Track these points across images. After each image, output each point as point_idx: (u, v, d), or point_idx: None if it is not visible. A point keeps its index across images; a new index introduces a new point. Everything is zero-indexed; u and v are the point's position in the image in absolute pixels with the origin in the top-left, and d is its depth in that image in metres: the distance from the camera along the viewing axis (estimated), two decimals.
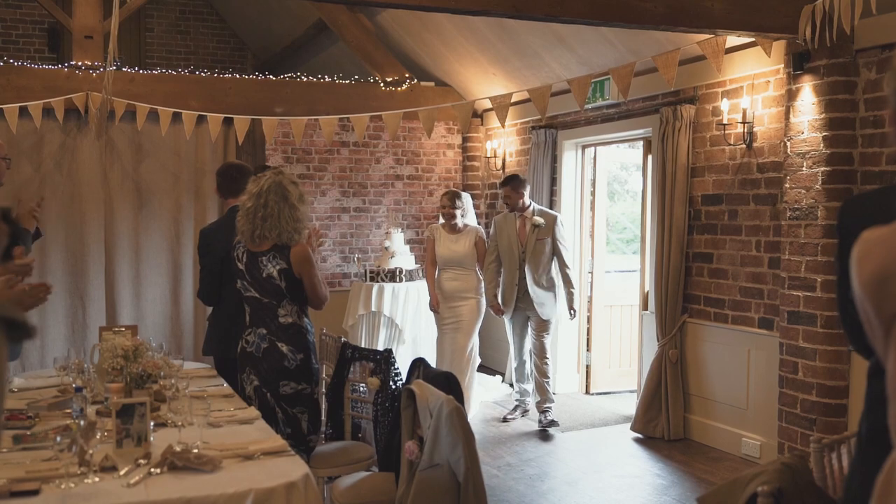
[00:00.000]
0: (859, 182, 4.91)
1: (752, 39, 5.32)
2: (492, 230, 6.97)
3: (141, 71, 8.02)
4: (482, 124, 9.23)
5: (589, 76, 5.72)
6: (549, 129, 7.87)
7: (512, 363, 7.29)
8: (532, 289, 6.68)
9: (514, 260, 6.72)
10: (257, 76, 8.47)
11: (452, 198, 6.91)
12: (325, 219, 8.73)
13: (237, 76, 8.33)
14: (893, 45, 4.77)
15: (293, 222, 4.06)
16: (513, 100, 6.40)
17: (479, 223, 7.82)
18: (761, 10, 4.86)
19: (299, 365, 3.98)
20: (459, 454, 3.05)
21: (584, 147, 7.80)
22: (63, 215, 7.73)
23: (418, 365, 3.91)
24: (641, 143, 7.12)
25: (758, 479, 2.14)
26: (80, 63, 7.51)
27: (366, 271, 7.97)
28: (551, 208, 7.71)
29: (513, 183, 6.71)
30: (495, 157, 8.84)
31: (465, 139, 9.24)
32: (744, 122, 5.70)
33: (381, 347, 7.65)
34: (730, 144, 5.86)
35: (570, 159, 7.88)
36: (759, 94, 5.66)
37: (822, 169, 5.00)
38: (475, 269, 6.92)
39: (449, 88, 8.90)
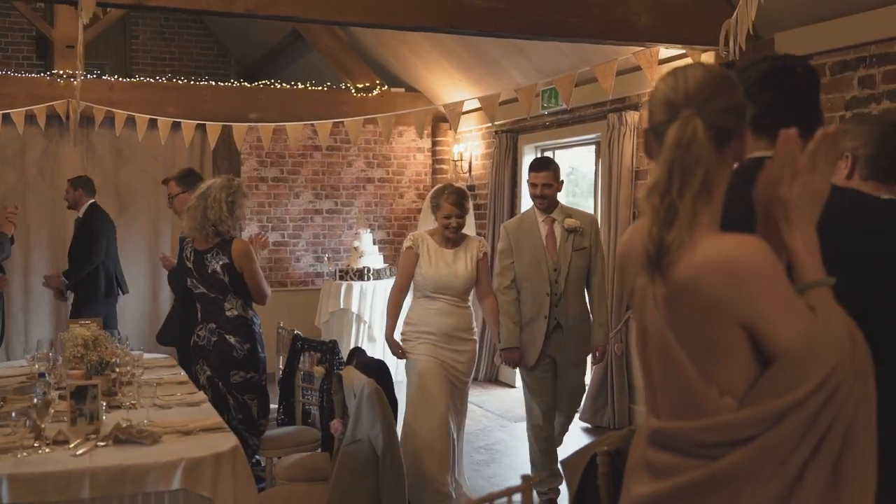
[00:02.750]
0: None
1: (684, 51, 5.68)
2: (501, 243, 4.94)
3: (120, 79, 8.38)
4: (450, 129, 9.59)
5: (534, 85, 6.09)
6: (511, 134, 8.23)
7: (529, 440, 5.00)
8: (567, 322, 4.80)
9: (541, 283, 4.75)
10: (233, 83, 8.83)
11: (460, 200, 4.71)
12: (298, 220, 9.09)
13: (213, 83, 8.69)
14: (811, 55, 5.12)
15: (231, 218, 4.42)
16: (476, 106, 6.76)
17: None
18: (686, 24, 5.22)
19: (246, 355, 4.34)
20: (378, 430, 3.41)
21: (542, 150, 8.15)
22: (47, 218, 8.09)
23: (355, 354, 4.26)
24: (594, 146, 7.48)
25: (603, 442, 2.49)
26: (61, 71, 7.86)
27: (335, 270, 8.34)
28: (513, 211, 8.05)
29: (553, 166, 4.87)
30: (461, 160, 9.20)
31: (434, 143, 9.60)
32: None
33: (352, 344, 8.00)
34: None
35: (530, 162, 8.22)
36: None
37: None
38: (470, 296, 4.89)
39: (418, 94, 9.25)
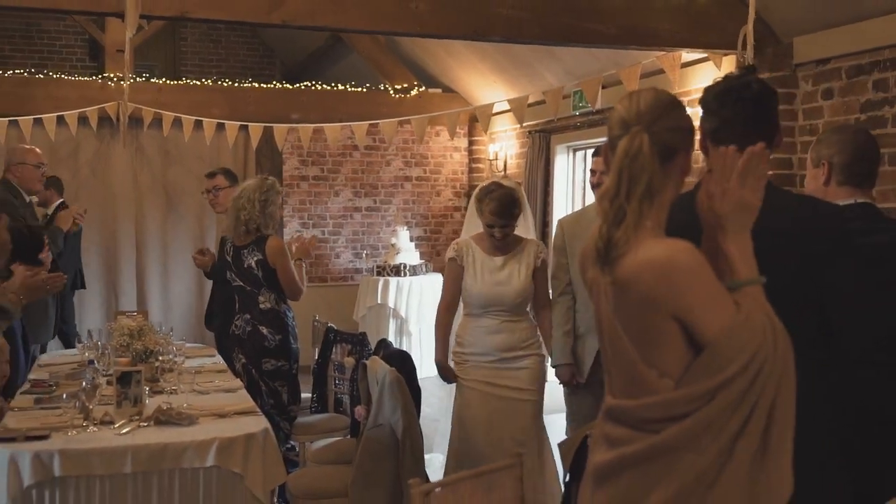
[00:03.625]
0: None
1: (706, 55, 5.83)
2: (555, 241, 4.38)
3: (168, 81, 8.73)
4: (489, 128, 9.80)
5: (561, 87, 6.28)
6: (543, 134, 8.42)
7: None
8: None
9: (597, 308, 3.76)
10: (275, 85, 9.13)
11: (503, 209, 4.11)
12: (338, 217, 9.38)
13: (256, 85, 9.00)
14: (828, 59, 5.25)
15: (266, 217, 4.70)
16: (507, 107, 6.97)
17: None
18: (707, 28, 5.37)
19: (278, 345, 4.62)
20: (398, 416, 3.65)
21: (574, 150, 8.34)
22: (98, 216, 8.47)
23: (381, 345, 4.51)
24: None
25: (594, 426, 2.72)
26: (112, 75, 8.23)
27: (373, 266, 8.63)
28: (546, 210, 8.26)
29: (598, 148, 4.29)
30: (497, 159, 9.41)
31: (470, 142, 9.83)
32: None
33: (390, 338, 8.27)
34: (696, 150, 6.35)
35: (562, 162, 8.42)
36: None
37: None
38: (527, 311, 4.34)
39: (455, 94, 9.47)
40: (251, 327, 4.65)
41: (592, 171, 4.26)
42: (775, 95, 2.34)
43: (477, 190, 4.37)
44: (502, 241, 4.19)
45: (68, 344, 5.78)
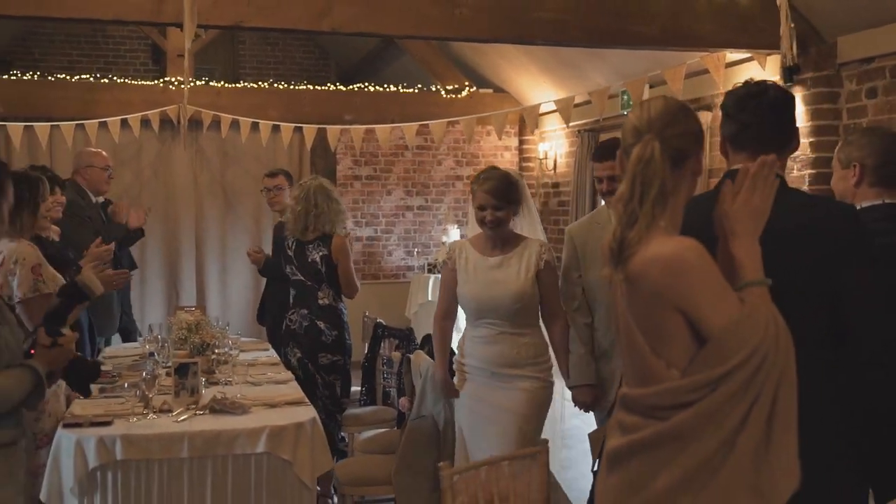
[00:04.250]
0: None
1: (750, 55, 5.87)
2: (565, 252, 3.90)
3: (226, 85, 9.00)
4: (538, 127, 9.90)
5: (606, 88, 6.36)
6: (591, 133, 8.50)
7: None
8: None
9: (615, 304, 2.81)
10: (329, 87, 9.36)
11: (497, 188, 3.67)
12: (390, 216, 9.58)
13: (311, 87, 9.23)
14: (872, 58, 5.27)
15: (336, 215, 4.91)
16: (555, 107, 7.09)
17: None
18: (750, 29, 5.42)
19: (334, 340, 4.81)
20: (440, 408, 3.82)
21: None
22: (160, 216, 8.78)
23: (427, 340, 4.67)
24: None
25: None
26: (173, 79, 8.53)
27: (424, 264, 8.81)
28: (594, 208, 8.32)
29: (598, 151, 3.92)
30: (546, 158, 9.51)
31: (520, 142, 9.95)
32: None
33: None
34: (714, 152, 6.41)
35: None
36: None
37: (809, 171, 5.54)
38: (538, 323, 3.83)
39: (506, 95, 9.59)
40: (308, 322, 4.84)
41: (599, 179, 3.80)
42: (793, 101, 2.44)
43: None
44: (495, 230, 3.69)
45: (127, 338, 6.05)
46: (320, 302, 4.88)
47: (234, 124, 8.21)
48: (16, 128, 7.27)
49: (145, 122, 8.22)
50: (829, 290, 2.22)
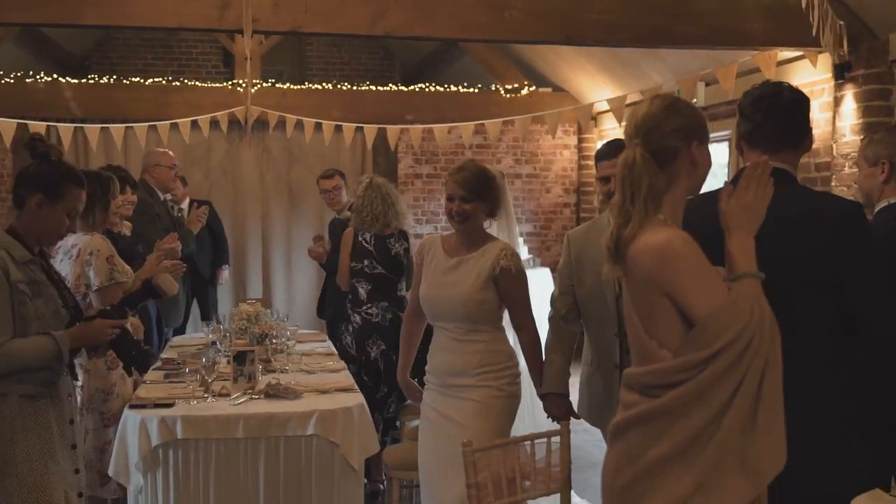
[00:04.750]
0: None
1: (802, 53, 5.89)
2: (562, 257, 3.57)
3: (291, 86, 9.30)
4: (596, 126, 9.98)
5: (659, 87, 6.43)
6: None
7: None
8: None
9: (607, 318, 3.34)
10: (390, 87, 9.58)
11: (467, 178, 3.47)
12: None
13: (373, 88, 9.47)
14: None
15: (407, 211, 5.23)
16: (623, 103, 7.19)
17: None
18: (799, 27, 5.40)
19: None
20: None
21: None
22: (228, 213, 9.12)
23: None
24: (727, 142, 7.72)
25: None
26: (241, 81, 8.85)
27: None
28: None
29: (603, 149, 3.54)
30: None
31: (580, 140, 10.03)
32: None
33: None
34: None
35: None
36: (817, 100, 6.19)
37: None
38: (498, 330, 3.57)
39: (565, 93, 9.68)
40: (392, 314, 5.05)
41: (604, 179, 3.43)
42: (807, 103, 2.55)
43: None
44: (462, 224, 3.48)
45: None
46: (399, 293, 5.13)
47: (299, 124, 8.49)
48: (93, 130, 7.64)
49: (214, 123, 8.53)
50: (832, 282, 2.32)
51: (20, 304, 2.73)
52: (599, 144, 9.66)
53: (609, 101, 6.85)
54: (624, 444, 2.05)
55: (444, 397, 3.50)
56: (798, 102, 2.52)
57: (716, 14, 5.30)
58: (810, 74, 6.20)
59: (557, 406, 3.45)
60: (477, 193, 3.46)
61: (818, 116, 6.21)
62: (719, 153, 8.25)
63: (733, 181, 2.22)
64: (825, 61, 5.87)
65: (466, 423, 3.34)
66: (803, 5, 4.26)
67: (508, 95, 9.46)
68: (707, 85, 7.35)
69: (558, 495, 2.75)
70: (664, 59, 7.73)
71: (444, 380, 3.51)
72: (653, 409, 1.98)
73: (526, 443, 2.62)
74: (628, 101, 6.74)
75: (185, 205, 7.44)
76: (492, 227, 3.67)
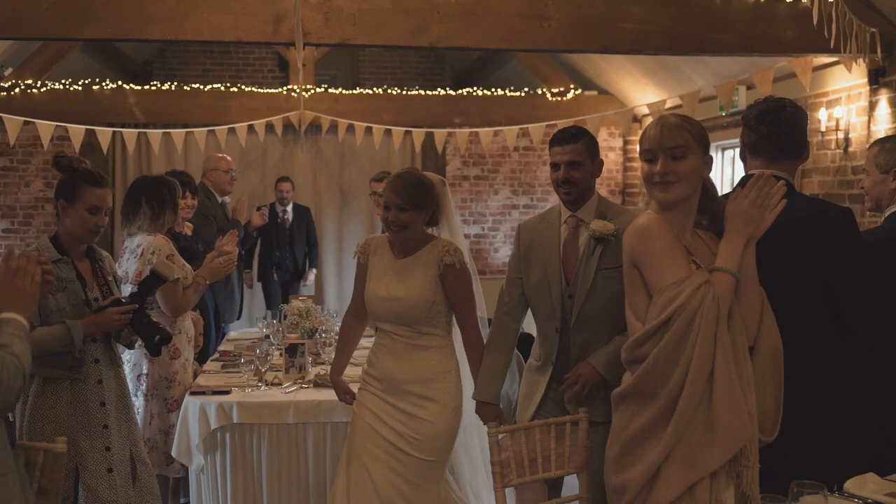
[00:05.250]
0: None
1: (837, 59, 6.02)
2: (514, 244, 3.45)
3: (343, 91, 9.63)
4: (640, 128, 10.14)
5: (697, 92, 6.62)
6: None
7: None
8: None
9: (551, 313, 3.22)
10: (439, 92, 9.86)
11: (401, 186, 3.42)
12: (497, 214, 10.02)
13: (422, 92, 9.75)
14: None
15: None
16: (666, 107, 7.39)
17: None
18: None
19: None
20: (516, 387, 4.21)
21: (723, 149, 8.57)
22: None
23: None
24: None
25: None
26: (295, 87, 9.20)
27: None
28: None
29: (586, 138, 3.30)
30: None
31: (625, 142, 10.20)
32: (837, 130, 6.38)
33: None
34: (830, 149, 6.55)
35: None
36: (854, 104, 6.32)
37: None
38: (444, 331, 3.49)
39: (611, 97, 9.85)
40: None
41: (554, 165, 3.30)
42: (805, 118, 2.78)
43: None
44: (399, 234, 3.42)
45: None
46: None
47: (350, 128, 8.81)
48: (155, 135, 8.05)
49: (269, 127, 8.90)
50: (824, 281, 2.54)
51: (42, 297, 2.99)
52: None
53: (649, 105, 7.04)
54: (616, 417, 2.34)
55: (386, 404, 3.38)
56: (798, 118, 2.74)
57: (748, 22, 5.46)
58: (846, 79, 6.32)
59: (486, 412, 3.32)
60: (414, 202, 3.37)
61: (854, 121, 6.33)
62: None
63: (740, 185, 2.46)
64: (860, 66, 5.99)
65: (412, 436, 3.33)
66: (815, 20, 4.42)
67: (554, 99, 9.66)
68: (748, 88, 7.49)
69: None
70: (706, 64, 7.88)
71: (394, 384, 3.37)
72: (629, 387, 2.27)
73: (549, 426, 2.86)
74: (668, 105, 6.90)
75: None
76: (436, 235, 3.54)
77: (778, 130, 2.71)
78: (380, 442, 3.35)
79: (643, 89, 9.23)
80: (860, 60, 5.89)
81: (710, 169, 2.36)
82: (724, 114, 8.10)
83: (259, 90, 9.46)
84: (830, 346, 2.57)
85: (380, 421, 3.38)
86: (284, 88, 9.36)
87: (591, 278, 3.08)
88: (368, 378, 3.49)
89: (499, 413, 3.29)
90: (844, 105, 6.40)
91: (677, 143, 2.28)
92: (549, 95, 9.69)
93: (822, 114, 6.54)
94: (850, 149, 6.38)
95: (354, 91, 9.72)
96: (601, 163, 3.36)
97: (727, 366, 2.15)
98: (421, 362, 3.39)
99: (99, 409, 3.26)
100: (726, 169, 8.65)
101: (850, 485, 2.43)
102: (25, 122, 7.42)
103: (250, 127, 8.69)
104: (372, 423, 3.39)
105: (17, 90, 8.65)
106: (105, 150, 8.08)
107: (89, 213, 3.25)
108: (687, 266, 2.23)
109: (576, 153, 3.21)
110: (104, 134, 7.79)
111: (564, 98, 9.67)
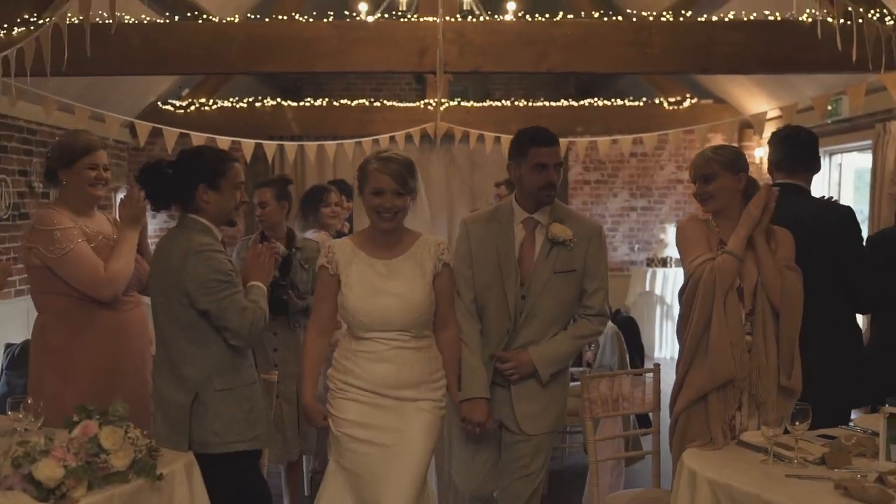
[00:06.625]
0: None
1: None
2: (458, 244, 3.54)
3: (474, 104, 10.61)
4: (755, 134, 10.69)
5: (795, 104, 7.25)
6: None
7: None
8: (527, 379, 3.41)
9: (501, 313, 3.39)
10: (563, 103, 10.71)
11: (399, 168, 3.22)
12: (616, 216, 10.80)
13: (547, 104, 10.63)
14: None
15: None
16: (776, 114, 8.06)
17: None
18: None
19: None
20: (616, 359, 5.07)
21: (830, 154, 9.09)
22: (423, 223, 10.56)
23: (615, 312, 5.90)
24: (869, 151, 8.36)
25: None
26: (431, 101, 10.23)
27: (644, 258, 9.98)
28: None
29: (543, 135, 3.43)
30: (762, 163, 10.30)
31: (740, 146, 10.76)
32: None
33: (655, 322, 9.64)
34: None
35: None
36: None
37: None
38: (431, 331, 3.29)
39: (726, 105, 10.47)
40: None
41: (542, 166, 3.31)
42: (816, 141, 3.60)
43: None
44: (392, 221, 3.15)
45: None
46: None
47: (481, 137, 9.74)
48: (311, 146, 9.21)
49: (408, 138, 9.89)
50: (834, 263, 3.35)
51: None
52: (756, 152, 10.43)
53: (751, 116, 7.71)
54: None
55: (374, 410, 3.14)
56: (810, 141, 3.57)
57: (835, 44, 6.09)
58: None
59: (479, 409, 3.29)
60: (408, 186, 3.19)
61: None
62: (862, 160, 8.84)
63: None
64: None
65: (411, 436, 3.11)
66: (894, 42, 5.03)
67: (671, 108, 10.34)
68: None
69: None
70: (814, 74, 8.46)
71: (385, 392, 3.13)
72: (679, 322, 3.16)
73: (626, 376, 3.72)
74: (769, 115, 7.54)
75: None
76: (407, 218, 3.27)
77: (797, 151, 3.54)
78: (376, 448, 3.13)
79: (754, 97, 9.82)
80: None
81: (742, 183, 3.15)
82: (829, 122, 8.64)
83: (399, 104, 10.55)
84: (843, 313, 3.37)
85: (364, 428, 3.13)
86: (422, 102, 10.40)
87: (545, 280, 3.27)
88: (346, 386, 3.18)
89: (488, 410, 3.31)
90: None
91: (706, 171, 3.16)
92: (666, 105, 10.38)
93: None
94: None
95: (485, 104, 10.69)
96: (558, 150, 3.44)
97: (720, 319, 2.97)
98: (419, 366, 3.18)
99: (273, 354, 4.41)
100: (833, 173, 9.16)
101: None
102: (209, 138, 8.70)
103: (392, 138, 9.68)
104: (353, 433, 3.14)
105: (192, 108, 10.02)
106: (270, 160, 9.29)
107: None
108: (705, 249, 3.06)
109: (560, 155, 3.36)
110: (269, 148, 9.00)
111: (681, 107, 10.33)
